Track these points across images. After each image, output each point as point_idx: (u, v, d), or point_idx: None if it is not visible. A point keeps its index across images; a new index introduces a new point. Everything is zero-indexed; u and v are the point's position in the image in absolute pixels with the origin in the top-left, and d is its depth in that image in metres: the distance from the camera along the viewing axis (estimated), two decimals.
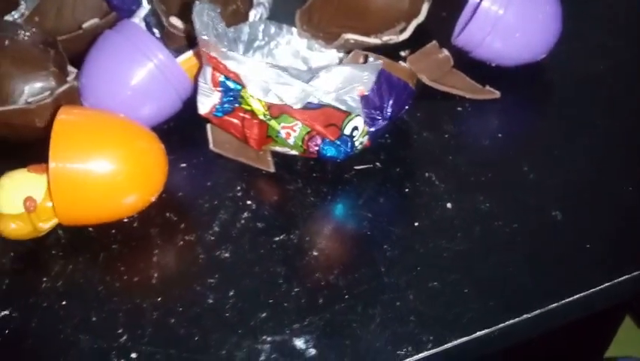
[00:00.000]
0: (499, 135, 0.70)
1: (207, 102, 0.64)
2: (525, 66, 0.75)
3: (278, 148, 0.66)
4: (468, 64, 0.75)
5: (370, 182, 0.65)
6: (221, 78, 0.61)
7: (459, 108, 0.73)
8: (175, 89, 0.69)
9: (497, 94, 0.73)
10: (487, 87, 0.73)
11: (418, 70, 0.71)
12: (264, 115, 0.61)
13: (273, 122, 0.61)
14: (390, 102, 0.61)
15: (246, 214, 0.63)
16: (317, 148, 0.61)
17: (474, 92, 0.73)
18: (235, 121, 0.65)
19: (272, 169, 0.67)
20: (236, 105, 0.64)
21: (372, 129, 0.62)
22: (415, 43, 0.76)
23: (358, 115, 0.61)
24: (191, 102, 0.71)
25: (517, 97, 0.74)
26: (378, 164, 0.67)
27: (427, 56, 0.73)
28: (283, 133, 0.62)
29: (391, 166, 0.66)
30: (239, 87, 0.61)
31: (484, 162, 0.67)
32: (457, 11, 0.78)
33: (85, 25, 0.79)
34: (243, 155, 0.67)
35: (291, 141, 0.62)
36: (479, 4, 0.72)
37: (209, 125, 0.70)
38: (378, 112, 0.61)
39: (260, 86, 0.59)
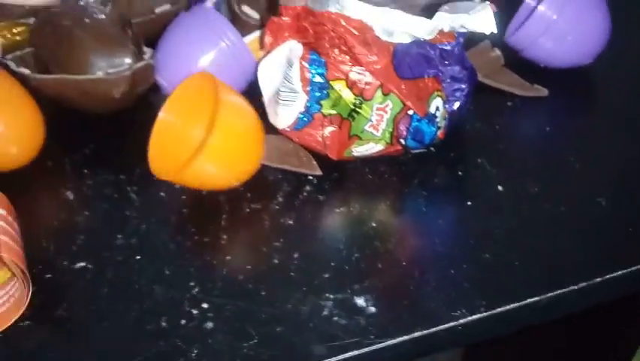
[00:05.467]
0: (547, 129, 0.74)
1: (289, 113, 0.66)
2: (572, 69, 0.80)
3: (358, 149, 0.67)
4: (518, 63, 0.80)
5: (425, 164, 0.69)
6: (310, 75, 0.64)
7: (509, 103, 0.77)
8: (242, 70, 0.74)
9: (545, 92, 0.77)
10: (536, 85, 0.78)
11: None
12: (354, 102, 0.64)
13: (364, 109, 0.64)
14: (466, 81, 0.65)
15: (308, 187, 0.68)
16: (406, 128, 0.65)
17: (523, 89, 0.77)
18: (314, 132, 0.68)
19: (318, 172, 0.69)
20: (316, 112, 0.66)
21: (452, 108, 0.67)
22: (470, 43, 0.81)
23: (439, 96, 0.65)
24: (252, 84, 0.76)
25: (563, 96, 0.78)
26: (432, 149, 0.71)
27: (480, 53, 0.78)
28: (374, 120, 0.64)
29: (445, 151, 0.71)
30: (326, 83, 0.64)
31: (533, 151, 0.72)
32: (508, 13, 0.83)
33: (157, 10, 0.85)
34: (288, 162, 0.70)
35: (381, 127, 0.65)
36: (535, 7, 0.76)
37: None
38: (458, 85, 0.65)
39: (383, 29, 0.62)
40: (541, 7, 0.76)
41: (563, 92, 0.78)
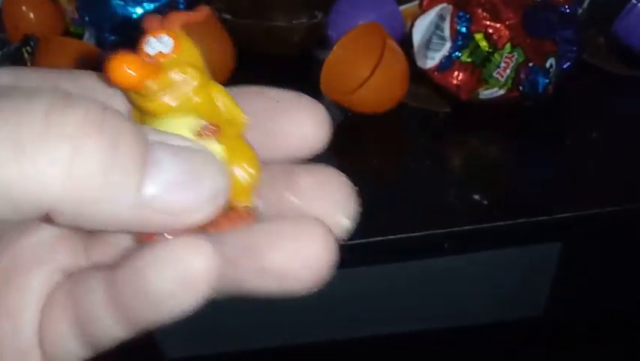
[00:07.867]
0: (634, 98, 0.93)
1: (436, 56, 0.84)
2: None
3: (485, 93, 0.84)
4: (620, 48, 0.98)
5: (534, 113, 0.87)
6: (457, 27, 0.82)
7: (606, 78, 0.95)
8: (394, 28, 0.94)
9: (638, 73, 0.95)
10: (632, 68, 0.95)
11: None
12: (488, 50, 0.81)
13: (495, 57, 0.81)
14: (576, 44, 0.84)
15: (438, 120, 0.87)
16: (525, 75, 0.82)
17: (617, 69, 0.95)
18: (451, 75, 0.84)
19: (447, 109, 0.88)
20: (456, 59, 0.83)
21: (562, 66, 0.84)
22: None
23: (553, 56, 0.83)
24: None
25: None
26: (540, 104, 0.88)
27: (590, 40, 0.96)
28: (502, 65, 0.81)
29: (551, 106, 0.88)
30: (469, 34, 0.82)
31: (619, 111, 0.90)
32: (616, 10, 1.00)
33: None
34: (423, 101, 0.89)
35: (505, 74, 0.82)
36: (636, 5, 0.94)
37: None
38: (570, 47, 0.83)
39: None
40: (638, 6, 0.94)
41: None
